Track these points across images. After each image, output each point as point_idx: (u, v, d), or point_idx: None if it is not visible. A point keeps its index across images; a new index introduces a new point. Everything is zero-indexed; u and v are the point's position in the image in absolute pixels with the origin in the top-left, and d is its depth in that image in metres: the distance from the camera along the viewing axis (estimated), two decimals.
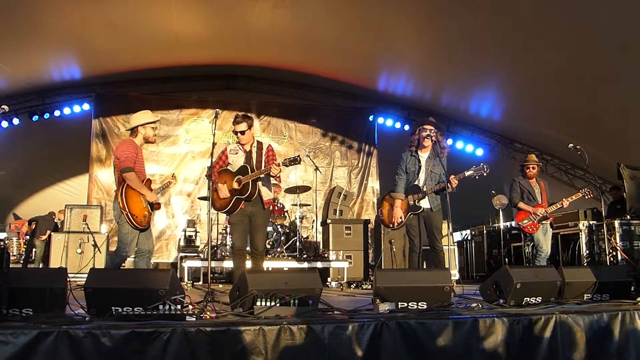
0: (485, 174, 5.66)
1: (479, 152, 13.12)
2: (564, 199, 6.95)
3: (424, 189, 5.72)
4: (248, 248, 5.82)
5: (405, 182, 5.88)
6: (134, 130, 5.41)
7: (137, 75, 11.90)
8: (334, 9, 9.17)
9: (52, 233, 9.26)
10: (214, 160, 5.37)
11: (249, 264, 5.86)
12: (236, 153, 5.60)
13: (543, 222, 6.96)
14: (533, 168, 7.18)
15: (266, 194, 5.60)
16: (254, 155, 5.54)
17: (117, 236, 5.23)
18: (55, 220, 11.41)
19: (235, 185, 5.40)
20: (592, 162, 6.64)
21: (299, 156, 5.22)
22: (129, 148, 5.23)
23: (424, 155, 5.85)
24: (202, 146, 12.06)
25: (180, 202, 11.88)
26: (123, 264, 5.34)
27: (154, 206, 5.28)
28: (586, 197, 6.93)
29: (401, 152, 6.03)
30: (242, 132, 5.47)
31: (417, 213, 5.73)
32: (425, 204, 5.73)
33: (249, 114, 5.69)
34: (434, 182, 5.75)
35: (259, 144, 5.66)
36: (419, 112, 12.79)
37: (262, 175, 5.37)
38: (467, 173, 5.66)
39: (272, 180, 5.69)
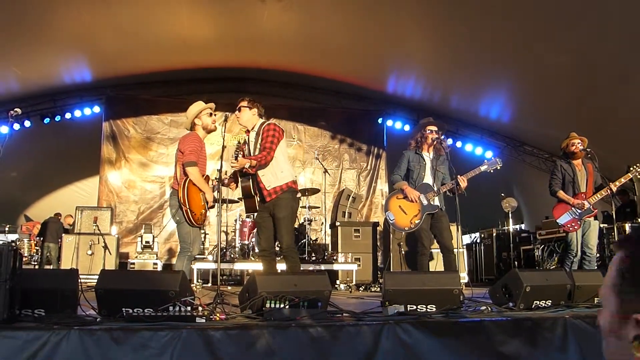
0: (499, 167, 5.59)
1: (488, 154, 13.05)
2: (610, 183, 5.82)
3: (435, 188, 5.63)
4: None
5: (401, 179, 5.75)
6: (192, 126, 5.16)
7: (147, 78, 11.99)
8: (343, 12, 9.18)
9: (63, 235, 9.32)
10: (224, 163, 5.11)
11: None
12: (246, 144, 5.15)
13: (586, 217, 5.86)
14: (579, 144, 6.00)
15: (268, 181, 4.90)
16: (252, 143, 5.03)
17: (178, 236, 5.00)
18: (62, 222, 11.50)
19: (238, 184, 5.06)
20: (601, 164, 6.45)
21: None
22: (194, 141, 4.96)
23: (428, 154, 5.79)
24: (211, 148, 12.03)
25: None
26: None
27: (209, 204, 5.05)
28: (638, 176, 5.93)
29: None
30: (239, 110, 5.09)
31: (433, 212, 5.56)
32: (437, 201, 5.65)
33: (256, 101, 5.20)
34: (439, 181, 5.68)
35: (261, 126, 5.04)
36: (428, 114, 12.72)
37: (249, 169, 4.78)
38: (482, 168, 5.58)
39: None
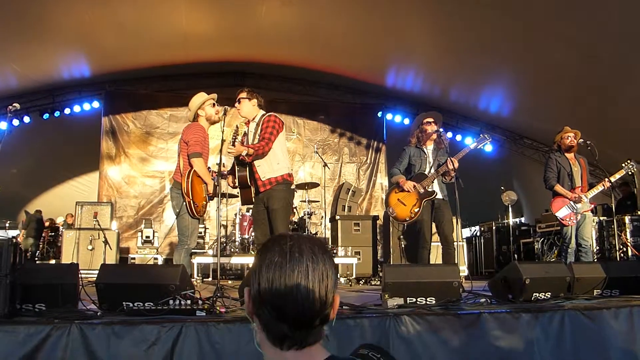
0: (488, 142, 5.71)
1: (488, 147, 13.06)
2: (604, 180, 5.85)
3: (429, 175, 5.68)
4: None
5: (399, 172, 5.82)
6: (195, 118, 5.09)
7: (147, 73, 11.95)
8: (342, 6, 9.17)
9: (63, 230, 9.34)
10: (224, 157, 5.09)
11: None
12: (245, 135, 5.10)
13: (584, 211, 5.88)
14: (574, 137, 6.00)
15: (263, 172, 4.81)
16: (251, 133, 4.96)
17: (177, 229, 4.93)
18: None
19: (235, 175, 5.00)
20: (601, 157, 6.35)
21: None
22: (198, 131, 4.92)
23: (428, 147, 5.86)
24: (210, 143, 12.03)
25: None
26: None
27: (210, 197, 4.99)
28: (629, 173, 5.97)
29: None
30: (238, 101, 4.99)
31: (431, 198, 5.59)
32: (435, 189, 5.66)
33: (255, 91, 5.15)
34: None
35: (261, 117, 4.97)
36: (428, 107, 12.67)
37: (246, 157, 4.70)
38: (472, 146, 5.68)
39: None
